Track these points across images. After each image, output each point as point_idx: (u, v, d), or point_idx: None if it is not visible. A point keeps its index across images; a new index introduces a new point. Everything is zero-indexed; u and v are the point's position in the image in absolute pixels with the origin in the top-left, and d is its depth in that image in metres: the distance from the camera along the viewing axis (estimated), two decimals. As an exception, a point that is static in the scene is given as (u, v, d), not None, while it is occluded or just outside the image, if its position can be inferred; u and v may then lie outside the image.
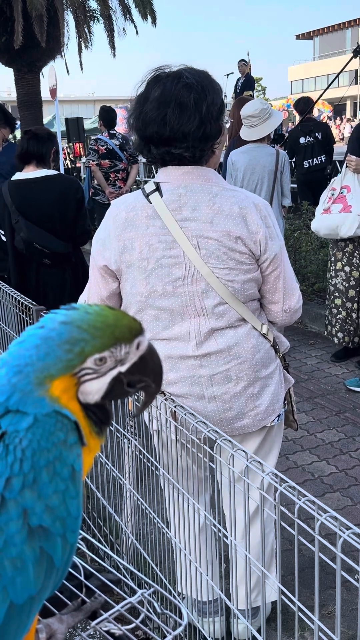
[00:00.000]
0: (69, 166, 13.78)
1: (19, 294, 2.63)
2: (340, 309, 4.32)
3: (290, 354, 4.62)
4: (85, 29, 14.31)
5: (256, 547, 1.83)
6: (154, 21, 14.25)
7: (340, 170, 4.38)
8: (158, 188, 1.76)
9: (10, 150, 3.95)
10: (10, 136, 4.32)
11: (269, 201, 4.32)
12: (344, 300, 4.30)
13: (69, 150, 14.61)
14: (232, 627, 2.01)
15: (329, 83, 7.28)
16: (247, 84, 12.30)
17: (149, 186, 1.78)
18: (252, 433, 1.90)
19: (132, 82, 1.75)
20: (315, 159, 7.70)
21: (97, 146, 6.94)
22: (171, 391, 1.81)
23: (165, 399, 1.72)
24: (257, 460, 1.31)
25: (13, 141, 4.22)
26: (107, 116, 7.07)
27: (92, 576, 1.01)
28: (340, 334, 4.36)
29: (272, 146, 4.77)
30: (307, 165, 7.74)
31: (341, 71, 6.93)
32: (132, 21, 14.46)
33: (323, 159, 7.69)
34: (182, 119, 1.65)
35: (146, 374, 0.80)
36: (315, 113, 16.75)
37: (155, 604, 0.99)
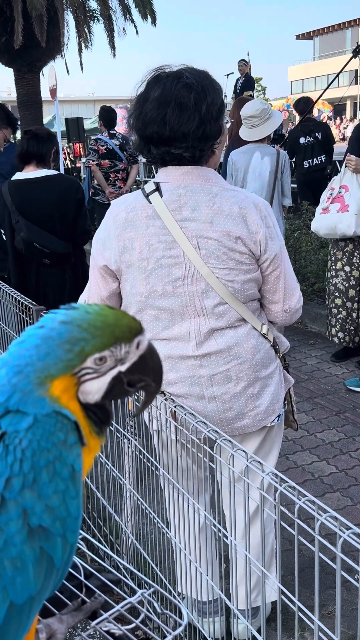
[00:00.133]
0: (69, 166, 13.78)
1: (19, 294, 2.63)
2: (340, 309, 4.32)
3: (290, 354, 4.62)
4: (85, 29, 14.30)
5: (256, 547, 1.83)
6: (153, 21, 14.25)
7: (340, 170, 4.38)
8: (158, 188, 1.76)
9: (11, 150, 3.96)
10: (11, 136, 4.31)
11: (269, 201, 4.32)
12: (344, 300, 4.30)
13: (68, 151, 14.61)
14: (232, 627, 2.01)
15: (329, 83, 7.28)
16: (246, 84, 12.31)
17: (149, 186, 1.78)
18: (252, 433, 1.90)
19: (132, 82, 1.75)
20: (315, 159, 7.70)
21: (97, 146, 6.94)
22: (171, 391, 1.81)
23: (165, 399, 1.72)
24: (257, 460, 1.31)
25: (13, 141, 4.22)
26: (107, 116, 7.07)
27: (92, 576, 1.01)
28: (340, 334, 4.37)
29: (273, 146, 4.78)
30: (307, 165, 7.74)
31: (341, 71, 6.92)
32: (132, 21, 14.46)
33: (323, 159, 7.69)
34: (182, 119, 1.65)
35: (146, 374, 0.80)
36: (315, 113, 16.75)
37: (155, 604, 0.98)
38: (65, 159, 13.60)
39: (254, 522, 1.90)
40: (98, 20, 14.49)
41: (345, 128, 30.11)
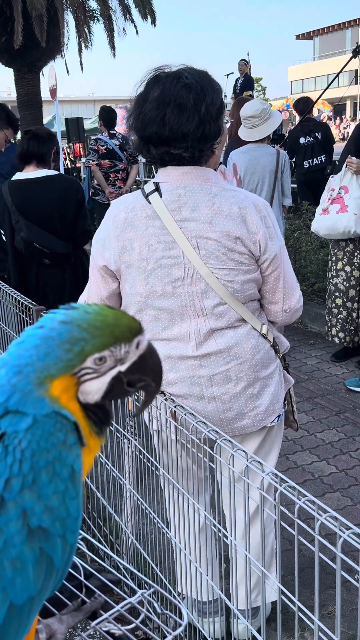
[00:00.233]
0: (69, 166, 13.78)
1: (19, 294, 2.63)
2: (341, 309, 4.33)
3: (290, 354, 4.62)
4: (85, 29, 14.31)
5: (256, 547, 1.83)
6: (153, 21, 14.25)
7: (338, 169, 4.39)
8: (157, 188, 1.76)
9: (11, 150, 3.95)
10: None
11: (269, 201, 4.33)
12: (345, 300, 4.30)
13: (68, 151, 14.61)
14: (232, 627, 2.01)
15: (329, 83, 7.28)
16: (246, 84, 12.31)
17: (149, 186, 1.78)
18: (252, 433, 1.90)
19: (132, 82, 1.75)
20: (315, 159, 7.70)
21: (97, 146, 6.94)
22: (171, 391, 1.81)
23: (165, 399, 1.72)
24: (257, 460, 1.31)
25: (13, 141, 4.21)
26: (107, 116, 7.07)
27: (92, 576, 1.01)
28: (341, 334, 4.37)
29: (273, 146, 4.78)
30: (307, 165, 7.74)
31: (341, 71, 6.92)
32: (132, 21, 14.46)
33: (323, 159, 7.69)
34: (181, 119, 1.65)
35: (146, 373, 0.80)
36: (315, 113, 16.75)
37: (155, 604, 0.98)
38: (65, 159, 13.60)
39: (254, 522, 1.90)
40: (98, 20, 14.50)
41: (345, 128, 30.11)
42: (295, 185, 7.77)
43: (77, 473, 0.74)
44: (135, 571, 1.11)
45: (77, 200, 3.26)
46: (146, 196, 1.76)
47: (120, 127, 8.43)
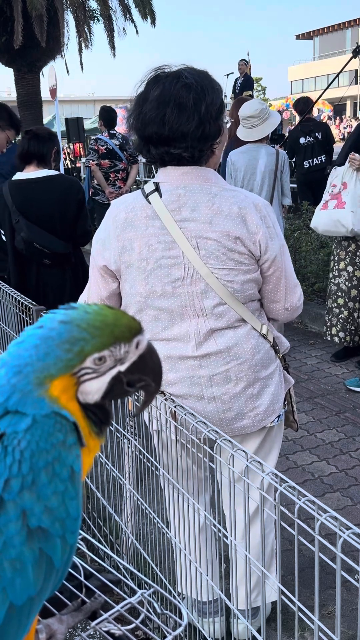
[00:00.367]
0: (69, 166, 13.78)
1: (19, 294, 2.63)
2: (342, 309, 4.33)
3: (290, 354, 4.62)
4: (85, 29, 14.32)
5: (256, 547, 1.82)
6: (153, 21, 14.26)
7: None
8: (157, 188, 1.76)
9: (11, 150, 3.95)
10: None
11: (269, 201, 4.32)
12: (347, 300, 4.30)
13: (68, 151, 14.61)
14: (232, 627, 2.01)
15: (329, 83, 7.28)
16: (246, 84, 12.31)
17: (149, 186, 1.78)
18: (252, 433, 1.90)
19: (132, 82, 1.75)
20: (315, 159, 7.70)
21: (97, 146, 6.94)
22: (171, 391, 1.81)
23: (165, 399, 1.72)
24: (257, 460, 1.31)
25: (14, 141, 4.21)
26: (107, 116, 7.07)
27: (92, 576, 1.01)
28: (341, 334, 4.37)
29: (272, 146, 4.78)
30: (307, 165, 7.74)
31: (341, 71, 6.92)
32: (132, 21, 14.48)
33: (323, 159, 7.69)
34: (181, 119, 1.65)
35: (146, 373, 0.80)
36: (315, 113, 16.75)
37: (155, 604, 0.98)
38: (65, 159, 13.60)
39: (254, 522, 1.90)
40: (98, 20, 14.51)
41: (345, 128, 30.10)
42: (295, 185, 7.77)
43: (77, 473, 0.74)
44: (135, 571, 1.11)
45: (78, 201, 3.26)
46: (146, 196, 1.76)
47: (120, 127, 8.44)
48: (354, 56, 6.41)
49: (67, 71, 16.94)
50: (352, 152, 4.09)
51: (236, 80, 12.64)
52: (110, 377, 0.77)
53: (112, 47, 14.54)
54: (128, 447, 2.05)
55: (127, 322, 0.77)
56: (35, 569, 0.71)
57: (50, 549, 0.72)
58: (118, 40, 18.42)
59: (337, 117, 35.28)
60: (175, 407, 1.67)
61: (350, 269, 4.27)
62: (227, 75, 14.69)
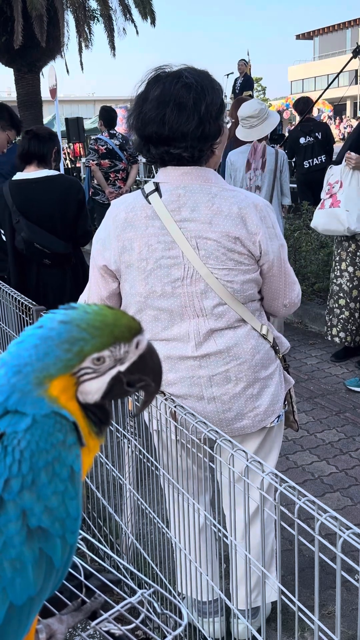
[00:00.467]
0: (69, 166, 13.78)
1: (19, 294, 2.63)
2: (343, 309, 4.33)
3: (290, 354, 4.62)
4: (85, 29, 14.32)
5: (256, 547, 1.82)
6: (153, 21, 14.26)
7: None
8: (157, 188, 1.76)
9: (12, 150, 3.95)
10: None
11: (268, 201, 4.32)
12: (348, 300, 4.30)
13: (68, 151, 14.61)
14: (232, 627, 2.01)
15: (329, 83, 7.27)
16: (246, 84, 12.32)
17: (149, 186, 1.78)
18: (252, 434, 1.90)
19: (132, 82, 1.75)
20: (315, 159, 7.70)
21: (97, 146, 6.94)
22: (170, 392, 1.81)
23: (165, 399, 1.72)
24: (257, 460, 1.31)
25: (14, 141, 4.21)
26: (108, 116, 7.08)
27: (92, 576, 1.01)
28: (342, 334, 4.37)
29: (272, 146, 4.77)
30: (307, 165, 7.74)
31: (341, 71, 6.92)
32: (132, 21, 14.48)
33: (323, 159, 7.68)
34: (180, 119, 1.65)
35: (146, 373, 0.80)
36: (315, 113, 16.75)
37: (155, 604, 0.98)
38: (65, 159, 13.60)
39: (254, 522, 1.90)
40: (98, 20, 14.51)
41: (345, 128, 30.10)
42: (295, 185, 7.77)
43: (77, 473, 0.74)
44: (135, 571, 1.11)
45: (78, 201, 3.26)
46: (146, 196, 1.76)
47: (121, 127, 8.44)
48: (354, 56, 6.40)
49: (67, 71, 16.95)
50: (348, 152, 4.10)
51: (236, 80, 12.65)
52: (110, 377, 0.77)
53: (112, 47, 14.54)
54: (128, 447, 2.05)
55: (126, 322, 0.77)
56: (35, 569, 0.71)
57: (50, 549, 0.72)
58: (118, 40, 18.44)
59: (337, 117, 35.28)
60: (175, 407, 1.67)
61: (351, 269, 4.27)
62: (227, 75, 14.69)
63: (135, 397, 1.91)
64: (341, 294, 4.34)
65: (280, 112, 15.50)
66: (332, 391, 4.12)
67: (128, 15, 14.37)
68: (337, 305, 4.37)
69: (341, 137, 25.51)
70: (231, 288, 1.75)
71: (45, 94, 12.55)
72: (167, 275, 1.75)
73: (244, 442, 1.89)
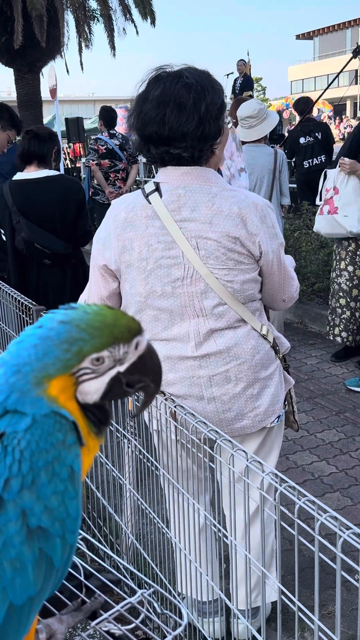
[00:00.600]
0: (69, 166, 13.78)
1: (19, 294, 2.63)
2: (344, 309, 4.33)
3: (290, 354, 4.62)
4: (86, 29, 14.32)
5: (256, 547, 1.82)
6: (153, 21, 14.25)
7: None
8: (158, 188, 1.76)
9: (12, 150, 3.95)
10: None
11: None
12: (348, 300, 4.31)
13: (68, 150, 14.60)
14: (232, 627, 2.01)
15: (329, 83, 7.27)
16: (245, 84, 12.32)
17: (149, 186, 1.78)
18: (252, 434, 1.90)
19: (132, 82, 1.75)
20: (315, 159, 7.70)
21: (97, 146, 6.95)
22: (170, 392, 1.81)
23: (165, 399, 1.72)
24: (257, 460, 1.31)
25: (14, 141, 4.21)
26: (108, 116, 7.08)
27: (92, 576, 1.01)
28: (344, 334, 4.38)
29: (272, 146, 4.78)
30: (307, 165, 7.74)
31: (341, 71, 6.92)
32: (132, 21, 14.47)
33: (323, 159, 7.68)
34: (180, 119, 1.65)
35: (145, 374, 0.80)
36: (315, 113, 16.74)
37: (155, 604, 0.98)
38: (65, 159, 13.60)
39: (254, 522, 1.90)
40: (98, 20, 14.51)
41: (345, 128, 30.09)
42: (295, 185, 7.77)
43: (77, 473, 0.74)
44: (135, 571, 1.11)
45: (78, 201, 3.26)
46: (146, 196, 1.76)
47: (121, 127, 8.44)
48: (354, 56, 6.40)
49: (67, 71, 16.95)
50: (342, 157, 4.12)
51: (235, 80, 12.66)
52: (110, 378, 0.77)
53: (112, 47, 14.54)
54: (128, 447, 2.05)
55: (126, 323, 0.77)
56: (35, 568, 0.71)
57: (50, 548, 0.72)
58: (118, 40, 18.45)
59: (337, 117, 35.25)
60: (175, 407, 1.67)
61: (350, 268, 4.27)
62: (227, 75, 14.70)
63: (135, 398, 1.91)
64: (341, 294, 4.34)
65: (280, 112, 15.51)
66: (332, 391, 4.12)
67: (128, 15, 14.37)
68: (338, 304, 4.38)
69: (341, 137, 25.48)
70: (231, 288, 1.75)
71: (45, 94, 12.55)
72: (167, 275, 1.75)
73: (244, 442, 1.89)
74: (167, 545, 2.00)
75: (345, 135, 25.30)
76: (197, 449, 1.65)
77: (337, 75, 7.18)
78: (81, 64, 14.99)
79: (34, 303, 2.46)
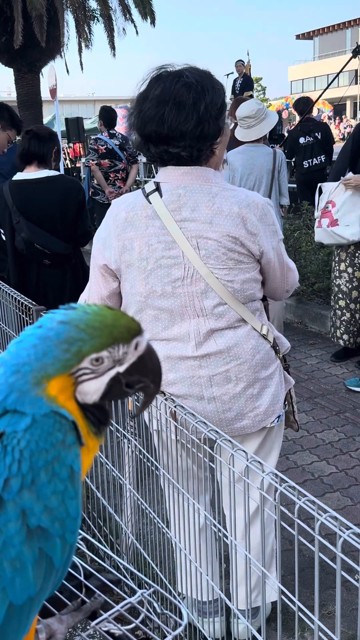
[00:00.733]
0: (69, 166, 13.78)
1: (19, 294, 2.63)
2: (344, 311, 4.33)
3: (290, 354, 4.62)
4: (86, 29, 14.33)
5: (256, 547, 1.82)
6: (153, 21, 14.26)
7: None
8: (158, 188, 1.76)
9: (12, 150, 3.95)
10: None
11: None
12: (348, 301, 4.31)
13: (68, 151, 14.60)
14: (232, 627, 2.01)
15: (329, 83, 7.27)
16: (245, 84, 12.33)
17: (149, 186, 1.78)
18: (252, 434, 1.90)
19: (132, 82, 1.75)
20: (315, 159, 7.70)
21: (97, 146, 6.95)
22: (170, 391, 1.81)
23: (165, 399, 1.72)
24: (257, 460, 1.31)
25: (14, 141, 4.21)
26: (107, 116, 7.08)
27: (92, 576, 1.01)
28: (345, 336, 4.38)
29: (272, 146, 4.77)
30: (307, 165, 7.74)
31: (341, 71, 6.91)
32: (132, 21, 14.48)
33: (323, 159, 7.69)
34: (179, 118, 1.65)
35: (145, 375, 0.80)
36: (315, 113, 16.74)
37: (155, 604, 0.98)
38: (65, 159, 13.60)
39: (254, 522, 1.90)
40: (98, 20, 14.52)
41: (345, 128, 30.09)
42: (295, 185, 7.77)
43: (77, 473, 0.74)
44: (135, 571, 1.11)
45: (78, 201, 3.26)
46: (146, 196, 1.76)
47: (120, 127, 8.44)
48: (354, 56, 6.40)
49: (67, 71, 16.96)
50: (342, 177, 4.15)
51: (235, 80, 12.66)
52: (109, 378, 0.77)
53: (112, 47, 14.55)
54: (128, 447, 2.05)
55: (126, 323, 0.77)
56: (35, 568, 0.71)
57: (50, 548, 0.72)
58: (118, 40, 18.44)
59: (337, 117, 35.25)
60: (175, 407, 1.67)
61: (350, 270, 4.27)
62: (227, 75, 14.71)
63: (135, 398, 1.91)
64: (340, 295, 4.34)
65: (279, 112, 15.51)
66: (332, 391, 4.12)
67: (128, 15, 14.37)
68: (338, 306, 4.38)
69: (341, 137, 25.49)
70: (231, 288, 1.75)
71: (45, 94, 12.55)
72: (167, 275, 1.75)
73: (244, 442, 1.89)
74: (167, 545, 2.00)
75: (346, 135, 25.31)
76: (197, 449, 1.65)
77: (337, 75, 7.17)
78: (81, 64, 15.00)
79: (34, 303, 2.46)
